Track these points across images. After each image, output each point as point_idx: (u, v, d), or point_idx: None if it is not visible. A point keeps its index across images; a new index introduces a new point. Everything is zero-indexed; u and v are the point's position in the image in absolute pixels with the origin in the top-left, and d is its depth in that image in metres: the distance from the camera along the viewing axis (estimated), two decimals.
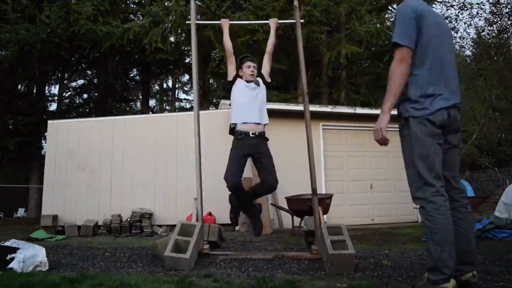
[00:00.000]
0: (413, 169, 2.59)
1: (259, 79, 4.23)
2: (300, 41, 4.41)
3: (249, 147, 3.89)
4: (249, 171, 6.82)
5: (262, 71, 4.28)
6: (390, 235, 6.37)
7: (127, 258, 4.15)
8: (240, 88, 4.10)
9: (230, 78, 4.21)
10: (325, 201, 6.05)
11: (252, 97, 4.02)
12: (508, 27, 14.14)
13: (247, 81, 4.12)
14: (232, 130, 4.02)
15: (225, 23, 4.40)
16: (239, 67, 4.24)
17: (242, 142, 3.90)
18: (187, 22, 5.25)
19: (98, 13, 10.51)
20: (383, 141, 2.64)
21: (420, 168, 2.50)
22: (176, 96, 23.89)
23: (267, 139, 4.06)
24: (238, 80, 4.18)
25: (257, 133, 3.92)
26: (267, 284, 2.79)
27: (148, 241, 5.74)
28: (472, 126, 13.90)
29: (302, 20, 4.56)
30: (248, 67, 4.17)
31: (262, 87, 4.16)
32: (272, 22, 4.42)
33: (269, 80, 4.26)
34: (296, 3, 4.52)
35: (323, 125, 8.30)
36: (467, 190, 8.25)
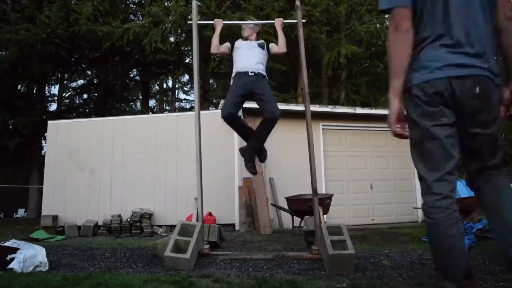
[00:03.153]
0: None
1: (263, 42, 4.28)
2: (302, 41, 4.41)
3: (247, 84, 3.95)
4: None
5: (270, 45, 4.30)
6: (390, 235, 6.37)
7: (127, 258, 4.15)
8: (239, 45, 4.20)
9: (228, 51, 4.27)
10: (325, 201, 6.05)
11: (250, 49, 4.11)
12: None
13: (248, 39, 4.23)
14: (233, 78, 4.12)
15: (218, 24, 4.40)
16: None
17: (239, 80, 3.98)
18: (188, 22, 5.26)
19: (98, 13, 10.51)
20: (396, 134, 1.92)
21: (417, 164, 1.95)
22: (176, 96, 23.88)
23: (266, 77, 4.10)
24: (238, 42, 4.27)
25: (255, 72, 3.99)
26: (267, 284, 2.79)
27: (148, 241, 5.74)
28: None
29: (303, 20, 4.56)
30: (243, 29, 4.32)
31: (263, 48, 4.19)
32: (278, 22, 4.41)
33: (270, 51, 4.26)
34: (298, 3, 4.52)
35: (323, 125, 8.30)
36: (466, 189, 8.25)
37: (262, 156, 4.24)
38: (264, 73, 4.11)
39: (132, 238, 6.52)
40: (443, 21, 1.86)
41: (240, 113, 7.37)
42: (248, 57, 4.08)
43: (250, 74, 3.98)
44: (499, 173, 1.99)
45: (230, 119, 3.94)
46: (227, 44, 4.31)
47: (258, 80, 3.99)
